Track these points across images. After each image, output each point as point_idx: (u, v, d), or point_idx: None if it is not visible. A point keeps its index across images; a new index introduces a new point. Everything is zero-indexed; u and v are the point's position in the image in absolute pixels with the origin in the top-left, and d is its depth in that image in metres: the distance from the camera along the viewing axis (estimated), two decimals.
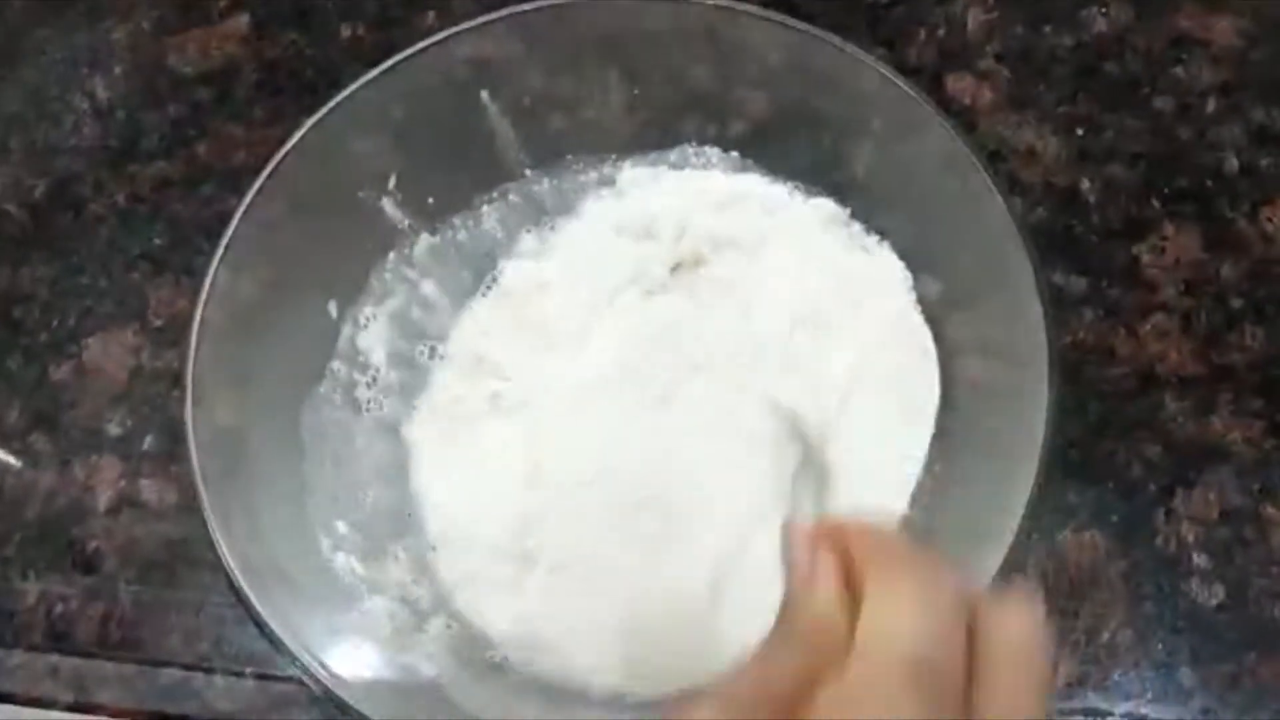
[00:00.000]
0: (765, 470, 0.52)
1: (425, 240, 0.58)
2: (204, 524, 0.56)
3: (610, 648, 0.50)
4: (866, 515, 0.35)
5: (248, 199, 0.50)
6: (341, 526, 0.52)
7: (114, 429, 0.61)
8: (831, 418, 0.53)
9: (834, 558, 0.33)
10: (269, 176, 0.51)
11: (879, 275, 0.56)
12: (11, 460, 0.60)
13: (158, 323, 0.63)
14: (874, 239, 0.57)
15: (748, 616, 0.48)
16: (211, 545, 0.56)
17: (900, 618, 0.30)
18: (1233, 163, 0.63)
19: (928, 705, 0.29)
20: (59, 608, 0.57)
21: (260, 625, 0.45)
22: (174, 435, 0.60)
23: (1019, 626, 0.32)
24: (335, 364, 0.55)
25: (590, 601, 0.51)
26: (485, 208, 0.59)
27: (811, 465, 0.50)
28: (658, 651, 0.50)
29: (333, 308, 0.56)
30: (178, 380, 0.60)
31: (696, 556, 0.51)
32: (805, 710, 0.30)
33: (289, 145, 0.51)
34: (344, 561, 0.51)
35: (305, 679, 0.45)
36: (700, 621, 0.51)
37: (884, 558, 0.33)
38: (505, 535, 0.52)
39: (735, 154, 0.59)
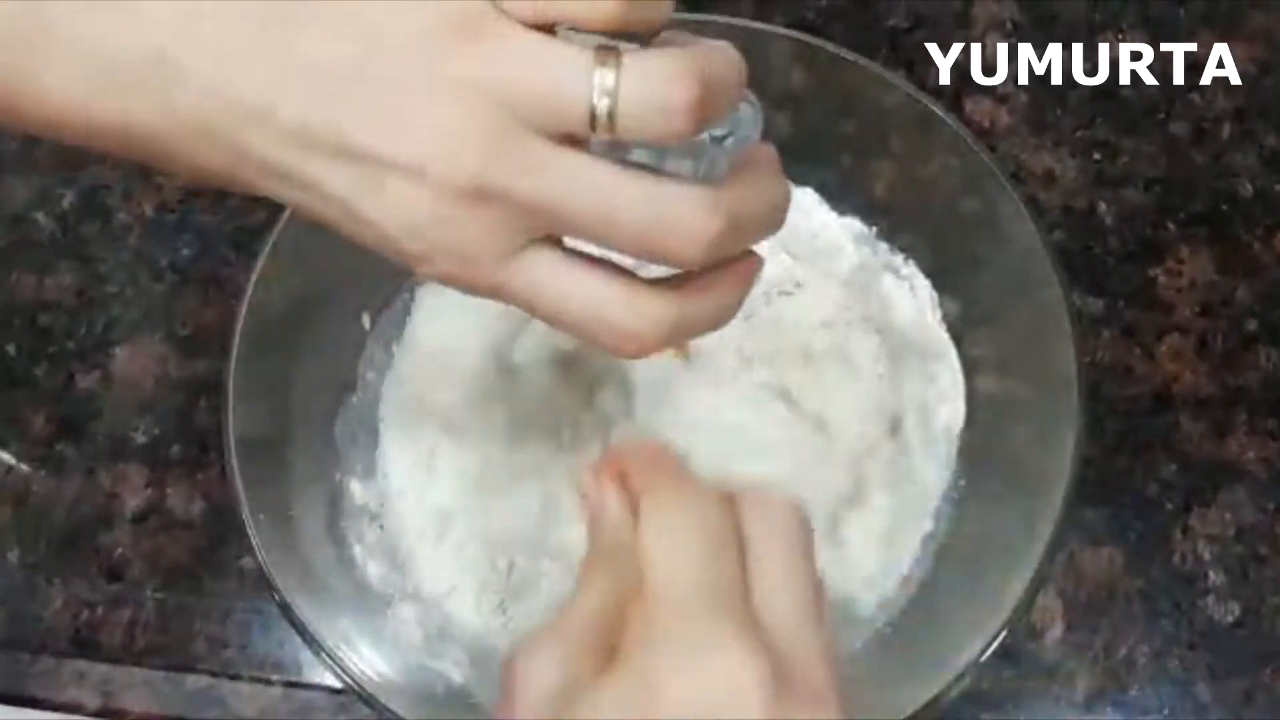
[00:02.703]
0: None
1: None
2: (230, 532, 0.57)
3: None
4: (644, 440, 0.38)
5: (287, 211, 0.51)
6: (373, 534, 0.53)
7: (140, 437, 0.61)
8: (856, 431, 0.54)
9: (616, 485, 0.36)
10: None
11: (906, 293, 0.57)
12: (23, 467, 0.61)
13: (185, 332, 0.63)
14: (899, 257, 0.58)
15: None
16: (238, 553, 0.57)
17: (678, 546, 0.33)
18: (1247, 187, 0.64)
19: (722, 617, 0.32)
20: (85, 614, 0.58)
21: (296, 625, 0.46)
22: (200, 444, 0.61)
23: (777, 513, 0.35)
24: (369, 374, 0.56)
25: None
26: None
27: None
28: None
29: (365, 319, 0.56)
30: (204, 389, 0.61)
31: None
32: (624, 635, 0.33)
33: None
34: (375, 569, 0.52)
35: (342, 677, 0.45)
36: None
37: (652, 481, 0.35)
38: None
39: None
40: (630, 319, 0.34)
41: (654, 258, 0.33)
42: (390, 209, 0.33)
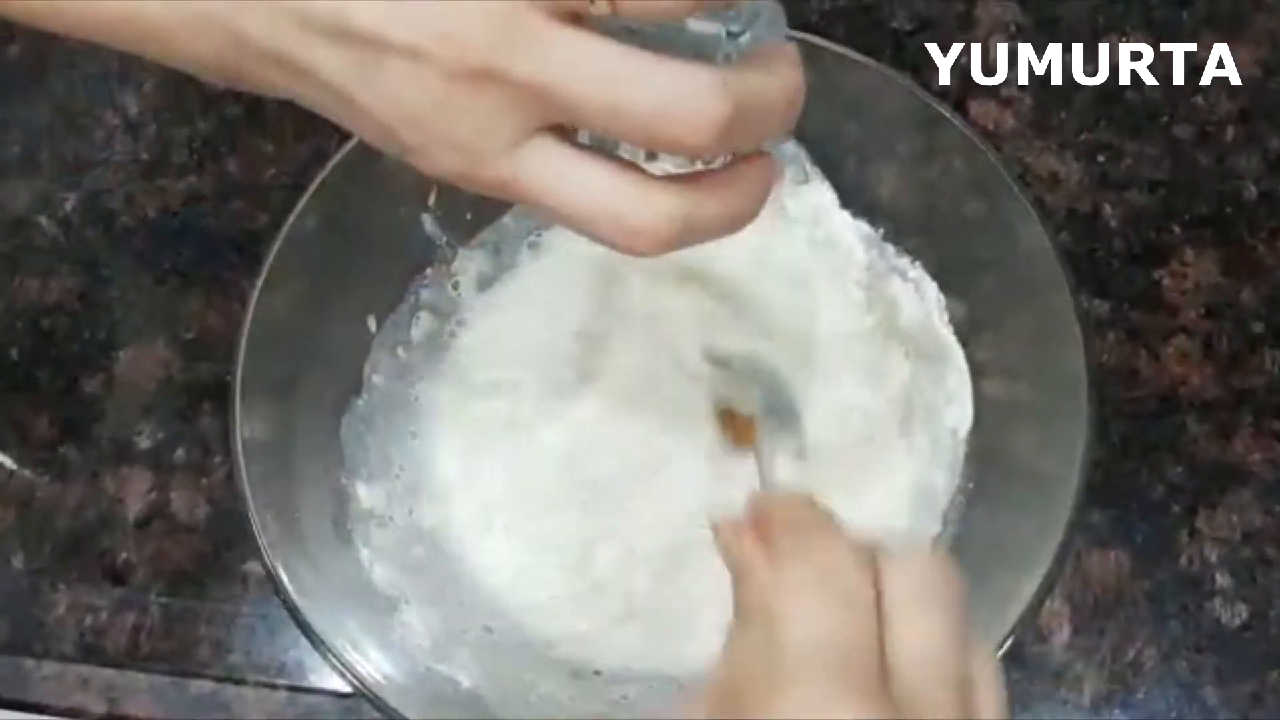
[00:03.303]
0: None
1: (463, 255, 0.58)
2: (235, 536, 0.57)
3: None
4: (789, 494, 0.37)
5: (293, 215, 0.51)
6: (379, 537, 0.52)
7: (144, 441, 0.61)
8: (864, 433, 0.54)
9: (760, 547, 0.34)
10: (313, 192, 0.51)
11: (913, 296, 0.57)
12: (25, 471, 0.61)
13: (188, 336, 0.63)
14: (906, 259, 0.58)
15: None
16: (242, 557, 0.57)
17: (807, 605, 0.31)
18: (1251, 190, 0.64)
19: (847, 680, 0.30)
20: (89, 619, 0.57)
21: (303, 627, 0.45)
22: (204, 447, 0.60)
23: (919, 571, 0.33)
24: (375, 377, 0.56)
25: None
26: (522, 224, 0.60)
27: (776, 411, 0.51)
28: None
29: (371, 322, 0.56)
30: (208, 393, 0.61)
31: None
32: (751, 697, 0.31)
33: (333, 161, 0.51)
34: (382, 572, 0.51)
35: (349, 679, 0.45)
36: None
37: (786, 545, 0.33)
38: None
39: None
40: (642, 214, 0.33)
41: (661, 145, 0.32)
42: (389, 95, 0.32)
